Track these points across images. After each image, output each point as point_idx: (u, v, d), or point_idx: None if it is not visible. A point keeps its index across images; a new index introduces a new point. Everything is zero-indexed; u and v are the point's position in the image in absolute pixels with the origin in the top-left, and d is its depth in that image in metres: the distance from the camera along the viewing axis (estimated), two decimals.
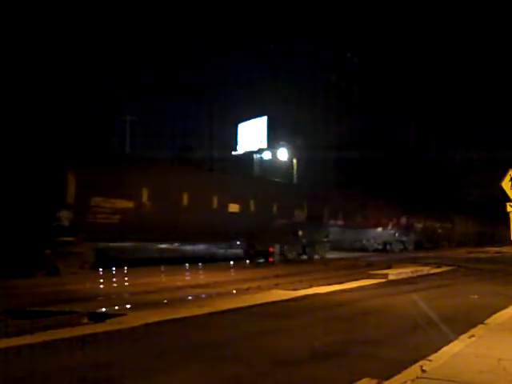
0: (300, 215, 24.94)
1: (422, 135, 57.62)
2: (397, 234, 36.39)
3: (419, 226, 40.25)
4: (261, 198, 22.51)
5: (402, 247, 36.76)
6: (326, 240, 26.73)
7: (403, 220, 37.23)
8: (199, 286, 12.24)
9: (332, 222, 27.75)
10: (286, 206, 24.12)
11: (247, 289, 11.66)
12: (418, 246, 39.47)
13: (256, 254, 22.30)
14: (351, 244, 33.30)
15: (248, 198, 21.73)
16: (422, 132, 57.23)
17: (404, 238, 37.43)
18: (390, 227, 35.53)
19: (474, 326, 6.97)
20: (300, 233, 24.35)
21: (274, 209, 23.37)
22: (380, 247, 35.33)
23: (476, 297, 10.65)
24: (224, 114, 45.02)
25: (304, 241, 24.81)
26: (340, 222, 28.83)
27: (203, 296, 10.40)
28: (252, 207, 21.86)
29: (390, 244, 36.09)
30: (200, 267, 18.26)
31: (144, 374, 4.84)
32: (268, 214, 22.87)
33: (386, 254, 31.17)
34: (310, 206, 25.63)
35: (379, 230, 34.30)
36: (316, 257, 25.09)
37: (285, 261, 22.66)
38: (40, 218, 13.96)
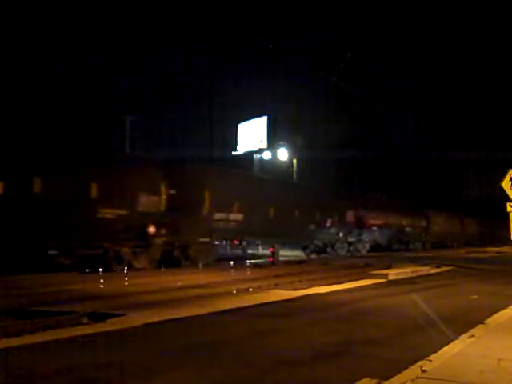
0: (153, 203, 16.86)
1: (422, 135, 57.68)
2: (341, 234, 28.49)
3: (377, 223, 32.32)
4: (60, 173, 14.71)
5: (348, 249, 29.53)
6: (208, 241, 19.11)
7: (350, 216, 29.36)
8: (199, 286, 12.23)
9: (221, 214, 19.38)
10: (122, 189, 16.10)
11: (247, 289, 11.66)
12: (381, 247, 32.69)
13: (79, 258, 15.17)
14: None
15: (28, 175, 14.20)
16: (422, 132, 57.28)
17: (352, 239, 29.64)
18: (328, 224, 27.20)
19: (473, 326, 6.97)
20: (151, 229, 16.71)
21: (94, 192, 15.34)
22: (316, 249, 28.12)
23: (476, 297, 10.65)
24: (224, 114, 45.05)
25: (160, 241, 17.25)
26: (238, 216, 20.07)
27: (203, 296, 10.40)
28: (38, 187, 14.14)
29: (333, 246, 28.57)
30: (200, 268, 18.24)
31: (144, 374, 4.84)
32: (81, 200, 15.10)
33: (311, 262, 22.95)
34: (175, 190, 17.40)
35: (312, 227, 25.64)
36: (186, 263, 18.17)
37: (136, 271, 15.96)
38: None
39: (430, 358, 5.16)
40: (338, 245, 28.80)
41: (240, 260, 20.89)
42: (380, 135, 54.55)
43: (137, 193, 16.56)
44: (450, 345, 5.80)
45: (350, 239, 29.61)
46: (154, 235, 16.88)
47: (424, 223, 40.25)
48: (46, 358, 5.31)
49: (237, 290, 11.46)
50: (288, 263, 21.82)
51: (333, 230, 27.88)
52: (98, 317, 7.73)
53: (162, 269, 17.15)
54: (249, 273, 16.56)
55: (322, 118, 47.36)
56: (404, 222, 37.20)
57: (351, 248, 29.82)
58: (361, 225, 30.45)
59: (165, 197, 17.25)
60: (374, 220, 32.23)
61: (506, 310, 8.51)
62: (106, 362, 5.13)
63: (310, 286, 12.24)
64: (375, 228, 32.22)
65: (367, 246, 31.49)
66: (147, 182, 17.08)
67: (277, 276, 14.98)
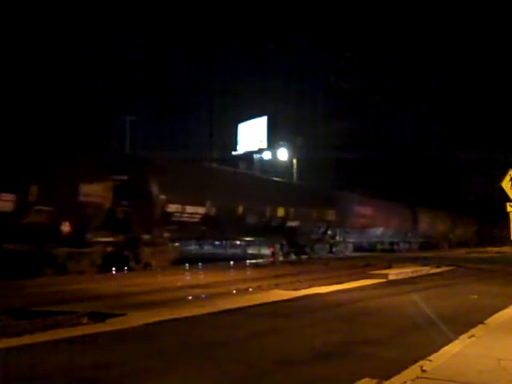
0: None
1: (422, 135, 57.60)
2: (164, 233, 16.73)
3: (200, 212, 18.28)
4: None
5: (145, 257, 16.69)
6: None
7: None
8: (199, 286, 12.23)
9: None
10: None
11: (247, 289, 11.65)
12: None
13: None
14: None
15: None
16: (422, 132, 57.21)
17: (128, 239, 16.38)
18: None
19: (473, 326, 6.98)
20: None
21: None
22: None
23: (476, 297, 10.65)
24: (224, 114, 45.04)
25: None
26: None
27: (203, 296, 10.39)
28: None
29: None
30: (200, 267, 18.21)
31: (144, 374, 4.84)
32: None
33: None
34: None
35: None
36: None
37: None
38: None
39: (430, 357, 5.16)
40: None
41: None
42: (380, 135, 54.51)
43: None
44: (450, 345, 5.80)
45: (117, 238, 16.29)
46: None
47: (333, 216, 25.68)
48: (46, 358, 5.30)
49: (237, 290, 11.45)
50: (288, 263, 21.79)
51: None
52: (97, 317, 7.73)
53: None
54: (249, 273, 16.56)
55: (322, 117, 47.36)
56: (314, 214, 24.15)
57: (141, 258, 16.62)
58: (207, 219, 17.84)
59: None
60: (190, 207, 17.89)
61: (506, 310, 8.52)
62: (105, 362, 5.13)
63: (310, 286, 12.23)
64: (195, 220, 18.21)
65: (177, 250, 18.48)
66: None
67: (277, 276, 14.96)
